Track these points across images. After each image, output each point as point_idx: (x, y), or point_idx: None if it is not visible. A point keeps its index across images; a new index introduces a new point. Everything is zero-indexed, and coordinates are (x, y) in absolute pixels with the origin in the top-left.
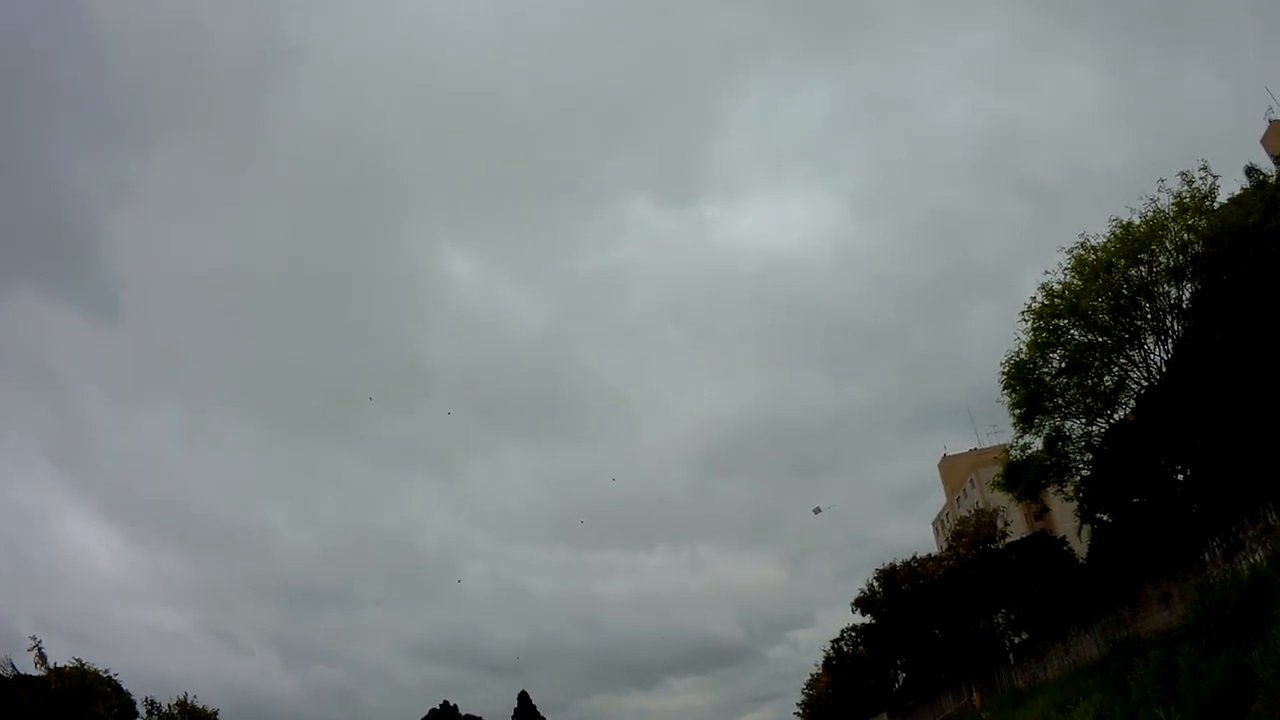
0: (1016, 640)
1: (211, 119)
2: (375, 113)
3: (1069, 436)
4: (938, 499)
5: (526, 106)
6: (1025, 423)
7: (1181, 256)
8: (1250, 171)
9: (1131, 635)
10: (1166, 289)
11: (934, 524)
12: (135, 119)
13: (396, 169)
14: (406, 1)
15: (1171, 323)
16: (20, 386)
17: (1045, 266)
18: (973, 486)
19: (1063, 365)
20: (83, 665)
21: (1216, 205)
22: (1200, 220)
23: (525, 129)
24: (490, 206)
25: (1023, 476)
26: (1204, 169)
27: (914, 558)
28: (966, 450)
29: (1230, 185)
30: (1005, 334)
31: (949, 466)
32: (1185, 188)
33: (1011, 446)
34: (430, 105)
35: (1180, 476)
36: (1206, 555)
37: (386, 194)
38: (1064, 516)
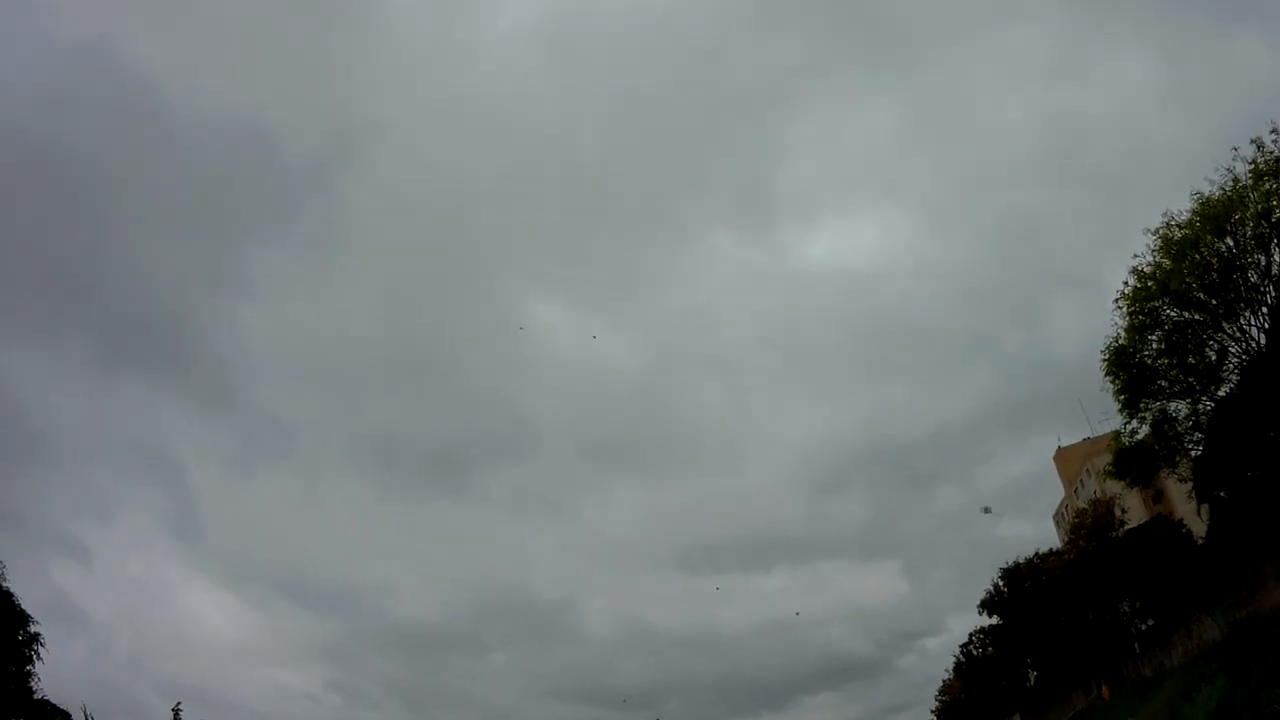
0: (1143, 628)
1: (297, 203)
2: (454, 178)
3: (1175, 418)
4: (1056, 493)
5: (598, 156)
6: (1130, 408)
7: (1265, 223)
8: None
9: (1251, 615)
10: (1256, 257)
11: (1054, 517)
12: (222, 214)
13: (480, 229)
14: (473, 67)
15: (1265, 291)
16: (137, 472)
17: (1122, 252)
18: (1089, 476)
19: (1162, 346)
20: None
21: None
22: (1278, 184)
23: (600, 178)
24: (575, 256)
25: (1132, 463)
26: (1275, 132)
27: (1036, 554)
28: (1080, 440)
29: None
30: (1094, 323)
31: (1064, 458)
32: (1259, 154)
33: (1120, 433)
34: (505, 164)
35: None
36: None
37: (473, 253)
38: (1182, 498)
